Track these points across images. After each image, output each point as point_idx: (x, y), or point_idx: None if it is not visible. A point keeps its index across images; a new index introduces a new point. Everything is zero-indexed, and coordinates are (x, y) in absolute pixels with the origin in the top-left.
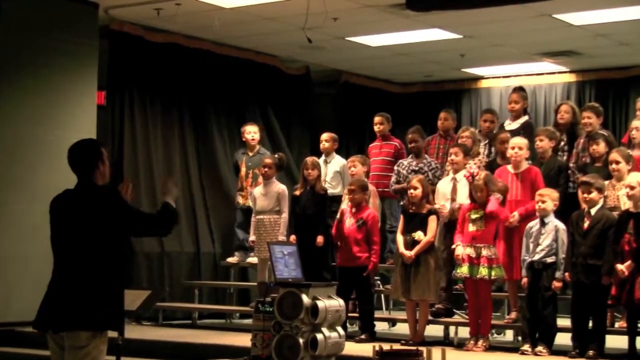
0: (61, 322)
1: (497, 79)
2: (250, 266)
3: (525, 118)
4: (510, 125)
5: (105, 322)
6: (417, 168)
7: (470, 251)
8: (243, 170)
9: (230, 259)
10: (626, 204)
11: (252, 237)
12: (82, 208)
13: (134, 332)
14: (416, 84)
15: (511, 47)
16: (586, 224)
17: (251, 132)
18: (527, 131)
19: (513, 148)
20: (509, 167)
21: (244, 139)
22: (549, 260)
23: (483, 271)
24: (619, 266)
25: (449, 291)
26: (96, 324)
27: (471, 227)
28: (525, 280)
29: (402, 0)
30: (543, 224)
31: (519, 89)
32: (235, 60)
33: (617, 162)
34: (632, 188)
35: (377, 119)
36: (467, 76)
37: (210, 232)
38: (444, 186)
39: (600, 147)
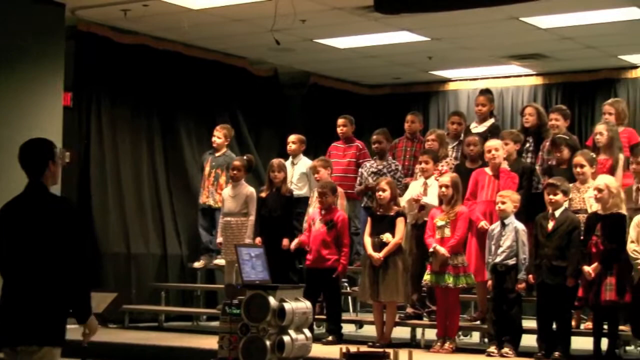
0: (17, 336)
1: (464, 81)
2: (218, 268)
3: (491, 121)
4: (477, 127)
5: (62, 336)
6: (377, 170)
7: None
8: (207, 169)
9: (196, 264)
10: (593, 206)
11: (219, 239)
12: (33, 219)
13: (99, 334)
14: (384, 86)
15: (479, 49)
16: (550, 226)
17: (215, 135)
18: (494, 134)
19: (490, 151)
20: (487, 169)
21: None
22: (511, 262)
23: (448, 279)
24: (586, 268)
25: (418, 294)
26: (53, 338)
27: (438, 235)
28: (490, 282)
29: (370, 2)
30: (503, 225)
31: (486, 92)
32: (204, 62)
33: (582, 166)
34: (600, 191)
35: (340, 121)
36: (434, 78)
37: (177, 234)
38: (415, 190)
39: (564, 153)
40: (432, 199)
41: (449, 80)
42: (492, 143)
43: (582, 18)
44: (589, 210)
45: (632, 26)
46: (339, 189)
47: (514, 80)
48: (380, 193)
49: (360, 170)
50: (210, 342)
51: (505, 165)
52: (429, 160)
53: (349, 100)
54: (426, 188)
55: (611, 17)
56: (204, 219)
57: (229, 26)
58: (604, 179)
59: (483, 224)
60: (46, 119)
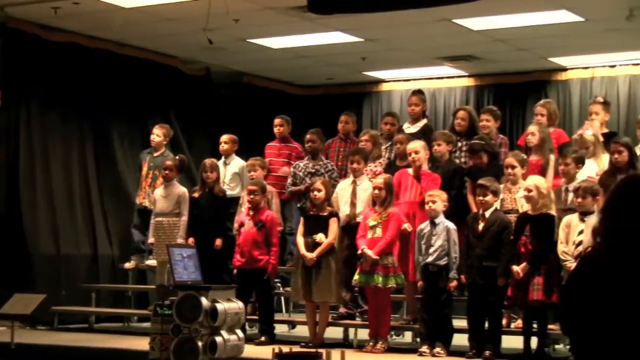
0: None
1: (398, 82)
2: (149, 269)
3: (424, 121)
4: (410, 128)
5: None
6: (313, 170)
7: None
8: (144, 170)
9: (127, 265)
10: (524, 207)
11: (151, 239)
12: None
13: (27, 336)
14: (318, 86)
15: (412, 51)
16: (481, 226)
17: (155, 133)
18: (426, 134)
19: (410, 153)
20: (409, 170)
21: (151, 140)
22: (443, 262)
23: (378, 279)
24: (515, 268)
25: (350, 294)
26: None
27: (369, 234)
28: (420, 283)
29: (304, 2)
30: (434, 224)
31: (419, 92)
32: (136, 61)
33: (513, 167)
34: (529, 191)
35: (277, 120)
36: (368, 79)
37: (108, 235)
38: (343, 189)
39: (483, 159)
40: (361, 201)
41: (383, 81)
42: (413, 145)
43: (513, 20)
44: (520, 211)
45: (562, 29)
46: (273, 189)
47: (447, 81)
48: (316, 193)
49: (292, 170)
50: (141, 344)
51: (425, 167)
52: (360, 160)
53: (282, 100)
54: (355, 188)
55: (542, 20)
56: (139, 220)
57: (161, 25)
58: (533, 180)
59: (406, 226)
60: None
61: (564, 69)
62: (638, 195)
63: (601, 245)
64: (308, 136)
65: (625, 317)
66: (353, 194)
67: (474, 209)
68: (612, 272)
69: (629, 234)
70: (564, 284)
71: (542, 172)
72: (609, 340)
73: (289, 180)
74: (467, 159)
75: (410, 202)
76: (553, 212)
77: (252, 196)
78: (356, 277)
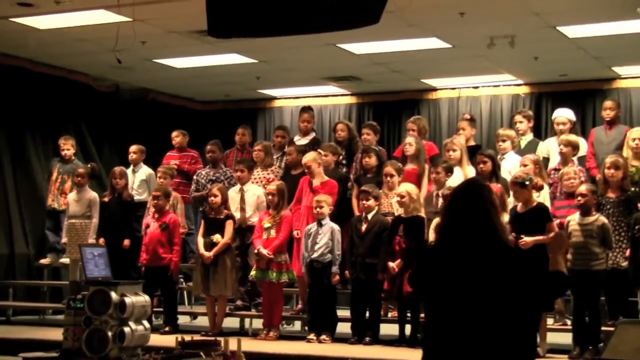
0: None
1: (288, 99)
2: (63, 266)
3: (313, 134)
4: (301, 140)
5: None
6: (214, 177)
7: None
8: (54, 175)
9: (43, 261)
10: (398, 210)
11: (64, 239)
12: None
13: None
14: (216, 102)
15: (301, 71)
16: (363, 227)
17: (64, 145)
18: (315, 146)
19: (306, 163)
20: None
21: (61, 150)
22: (327, 259)
23: (272, 275)
24: (391, 264)
25: (245, 288)
26: None
27: (264, 235)
28: (306, 276)
29: (204, 27)
30: (320, 225)
31: (308, 109)
32: (50, 78)
33: (391, 175)
34: (402, 197)
35: (174, 133)
36: (262, 96)
37: (24, 236)
38: (232, 197)
39: (372, 161)
40: (250, 205)
41: (275, 98)
42: (307, 157)
43: (390, 46)
44: (396, 214)
45: (433, 54)
46: (177, 194)
47: (332, 99)
48: (213, 198)
49: (195, 177)
50: (55, 334)
51: (321, 175)
52: (244, 169)
53: (184, 114)
54: (243, 194)
55: (415, 46)
56: (50, 221)
57: (74, 45)
58: (405, 187)
59: (295, 233)
60: None
61: (434, 89)
62: (471, 194)
63: (438, 240)
64: (208, 147)
65: (455, 297)
66: (242, 200)
67: (357, 212)
68: (445, 264)
69: (460, 230)
70: (410, 272)
71: (418, 179)
72: (443, 316)
73: (193, 187)
74: (348, 168)
75: (308, 206)
76: (423, 214)
77: (156, 201)
78: (253, 272)
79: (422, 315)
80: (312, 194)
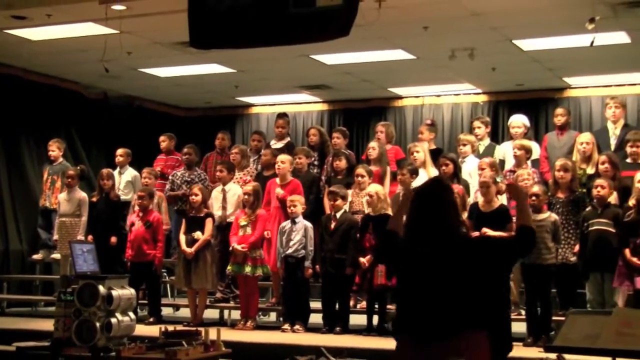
0: None
1: (265, 106)
2: (54, 262)
3: (288, 139)
4: (276, 144)
5: None
6: (189, 179)
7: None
8: (45, 176)
9: (35, 256)
10: (367, 209)
11: (55, 236)
12: None
13: None
14: (198, 109)
15: (276, 80)
16: (332, 225)
17: (52, 147)
18: (290, 150)
19: (277, 163)
20: (277, 179)
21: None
22: (300, 254)
23: (247, 269)
24: (361, 259)
25: (226, 282)
26: None
27: (240, 232)
28: (281, 271)
29: (186, 39)
30: (294, 223)
31: (284, 115)
32: (42, 86)
33: (362, 176)
34: (370, 196)
35: (161, 137)
36: (240, 104)
37: (18, 233)
38: (215, 197)
39: (342, 163)
40: (231, 205)
41: (252, 105)
42: (280, 158)
43: (359, 57)
44: (366, 212)
45: (399, 65)
46: (161, 194)
47: (305, 106)
48: (194, 197)
49: (170, 177)
50: (47, 325)
51: (289, 176)
52: (224, 169)
53: (167, 120)
54: (225, 194)
55: (383, 57)
56: (42, 219)
57: (64, 55)
58: (374, 187)
59: (266, 233)
60: None
61: (400, 97)
62: (433, 189)
63: (405, 233)
64: (185, 150)
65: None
66: (224, 199)
67: (328, 211)
68: (409, 253)
69: (423, 224)
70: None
71: (381, 180)
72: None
73: (167, 186)
74: (320, 170)
75: (277, 207)
76: (390, 212)
77: (140, 200)
78: (230, 267)
79: (390, 307)
80: (277, 194)
